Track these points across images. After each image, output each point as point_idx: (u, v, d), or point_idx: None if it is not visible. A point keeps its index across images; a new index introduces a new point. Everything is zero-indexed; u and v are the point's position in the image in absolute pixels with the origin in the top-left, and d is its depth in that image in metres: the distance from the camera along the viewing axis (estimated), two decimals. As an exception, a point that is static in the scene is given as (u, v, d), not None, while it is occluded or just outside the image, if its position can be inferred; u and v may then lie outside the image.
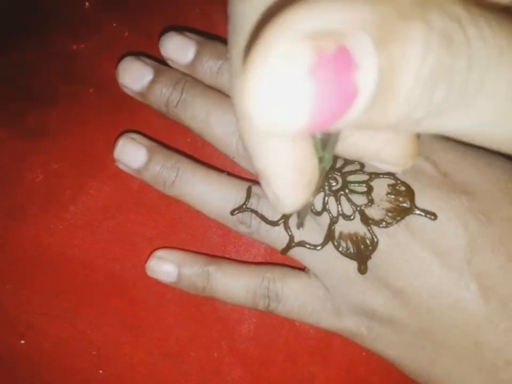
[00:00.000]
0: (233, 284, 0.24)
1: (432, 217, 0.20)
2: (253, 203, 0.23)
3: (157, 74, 0.25)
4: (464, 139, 0.12)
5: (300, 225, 0.21)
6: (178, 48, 0.25)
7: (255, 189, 0.23)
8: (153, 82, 0.25)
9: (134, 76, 0.25)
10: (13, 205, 0.25)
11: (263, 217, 0.23)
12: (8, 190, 0.25)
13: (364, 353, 0.23)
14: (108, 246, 0.25)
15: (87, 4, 0.29)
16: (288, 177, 0.13)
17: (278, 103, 0.09)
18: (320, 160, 0.14)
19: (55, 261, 0.25)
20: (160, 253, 0.25)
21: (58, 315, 0.25)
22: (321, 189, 0.21)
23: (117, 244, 0.25)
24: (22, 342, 0.24)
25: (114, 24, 0.28)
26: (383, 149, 0.15)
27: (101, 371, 0.24)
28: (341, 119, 0.10)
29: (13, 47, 0.28)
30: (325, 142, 0.14)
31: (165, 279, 0.24)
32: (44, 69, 0.27)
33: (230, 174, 0.25)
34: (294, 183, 0.13)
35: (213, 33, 0.28)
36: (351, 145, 0.15)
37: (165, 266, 0.24)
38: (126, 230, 0.25)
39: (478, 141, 0.12)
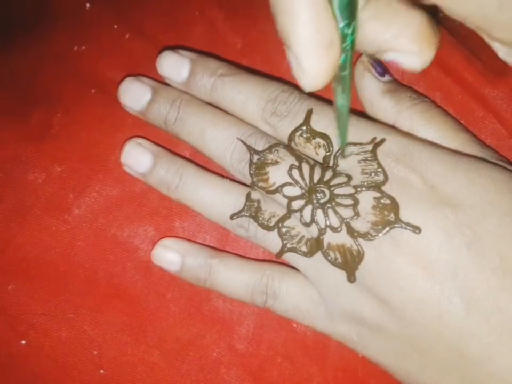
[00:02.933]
0: (234, 279, 0.24)
1: (416, 230, 0.20)
2: (251, 208, 0.24)
3: (154, 94, 0.26)
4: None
5: (342, 154, 0.22)
6: (173, 67, 0.26)
7: (253, 194, 0.24)
8: (151, 102, 0.26)
9: (134, 96, 0.26)
10: (16, 207, 0.25)
11: (259, 223, 0.23)
12: (11, 192, 0.25)
13: (361, 355, 0.24)
14: (109, 248, 0.25)
15: (88, 5, 0.29)
16: (307, 35, 0.13)
17: None
18: (343, 37, 0.15)
19: (57, 262, 0.25)
20: (166, 241, 0.25)
21: (59, 315, 0.25)
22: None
23: (119, 246, 0.25)
24: (23, 342, 0.25)
25: (115, 26, 0.28)
26: (399, 36, 0.15)
27: (101, 371, 0.25)
28: None
29: (14, 49, 0.28)
30: (343, 11, 0.15)
31: (169, 267, 0.25)
32: (46, 70, 0.28)
33: (231, 179, 0.25)
34: (314, 42, 0.14)
35: (212, 35, 0.29)
36: (368, 35, 0.15)
37: (170, 255, 0.25)
38: (127, 232, 0.26)
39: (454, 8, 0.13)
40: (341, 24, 0.15)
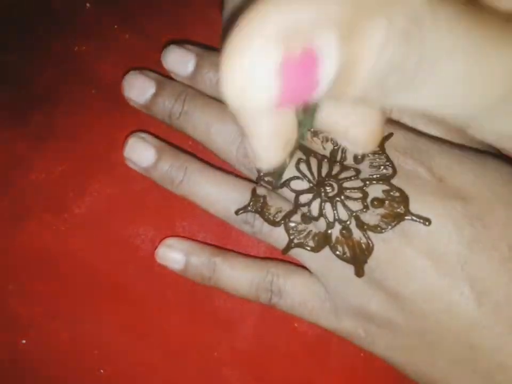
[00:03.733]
0: (238, 276, 0.24)
1: (426, 222, 0.20)
2: (257, 204, 0.24)
3: (159, 87, 0.26)
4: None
5: (276, 186, 0.22)
6: (179, 61, 0.26)
7: (259, 190, 0.24)
8: (156, 95, 0.26)
9: (138, 90, 0.26)
10: (16, 206, 0.25)
11: (265, 218, 0.23)
12: (11, 191, 0.25)
13: (362, 354, 0.24)
14: (110, 247, 0.25)
15: (88, 5, 0.29)
16: (266, 139, 0.14)
17: (246, 88, 0.10)
18: (299, 123, 0.15)
19: (57, 262, 0.25)
20: (169, 241, 0.25)
21: (59, 315, 0.25)
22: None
23: (119, 245, 0.25)
24: (23, 341, 0.25)
25: (115, 26, 0.28)
26: (351, 129, 0.16)
27: (101, 371, 0.25)
28: (302, 100, 0.11)
29: (15, 48, 0.28)
30: (306, 108, 0.14)
31: (173, 266, 0.25)
32: (46, 70, 0.28)
33: (236, 175, 0.25)
34: (272, 144, 0.14)
35: (212, 35, 0.29)
36: (325, 117, 0.16)
37: (173, 254, 0.25)
38: (128, 231, 0.26)
39: (430, 116, 0.13)
40: (300, 118, 0.15)
